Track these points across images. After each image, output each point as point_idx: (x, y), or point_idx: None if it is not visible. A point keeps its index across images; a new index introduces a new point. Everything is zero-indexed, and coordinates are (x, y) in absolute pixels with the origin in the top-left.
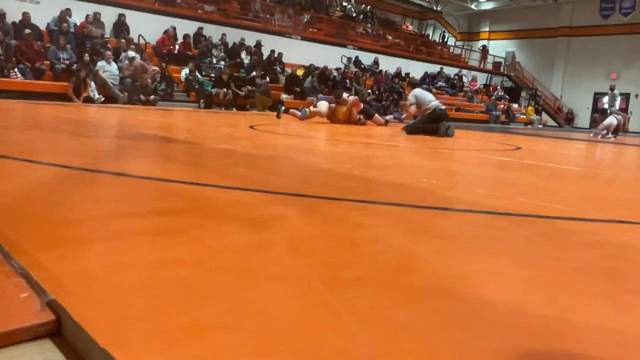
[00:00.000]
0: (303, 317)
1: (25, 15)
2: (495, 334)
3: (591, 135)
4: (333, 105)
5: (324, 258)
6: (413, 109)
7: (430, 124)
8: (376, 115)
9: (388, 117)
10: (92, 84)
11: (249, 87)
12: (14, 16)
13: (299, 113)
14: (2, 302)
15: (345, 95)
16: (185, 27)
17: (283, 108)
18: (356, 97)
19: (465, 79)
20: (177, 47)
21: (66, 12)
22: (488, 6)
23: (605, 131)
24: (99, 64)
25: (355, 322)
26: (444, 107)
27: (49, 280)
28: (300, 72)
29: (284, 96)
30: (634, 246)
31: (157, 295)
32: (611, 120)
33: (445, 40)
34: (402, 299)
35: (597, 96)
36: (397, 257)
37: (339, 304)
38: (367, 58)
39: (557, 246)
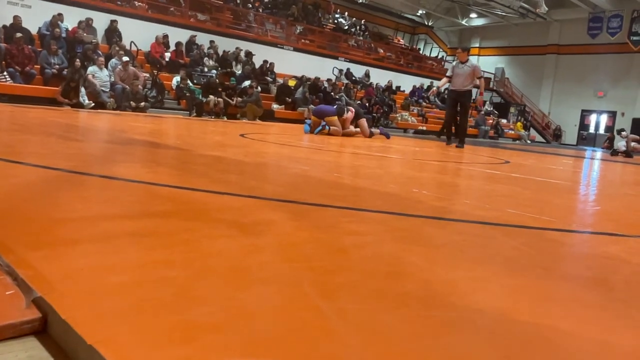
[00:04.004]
0: (293, 319)
1: (17, 18)
2: (483, 340)
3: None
4: (335, 118)
5: (314, 262)
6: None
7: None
8: (365, 121)
9: (375, 130)
10: (82, 89)
11: (240, 99)
12: (4, 19)
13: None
14: None
15: (347, 112)
16: (178, 35)
17: (327, 127)
18: (362, 129)
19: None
20: (167, 55)
21: (58, 17)
22: (478, 22)
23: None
24: (90, 69)
25: (345, 325)
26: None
27: (36, 279)
28: (292, 83)
29: (275, 106)
30: (621, 258)
31: (146, 295)
32: None
33: (437, 55)
34: (391, 304)
35: (585, 114)
36: (387, 263)
37: (328, 308)
38: (358, 70)
39: (546, 256)
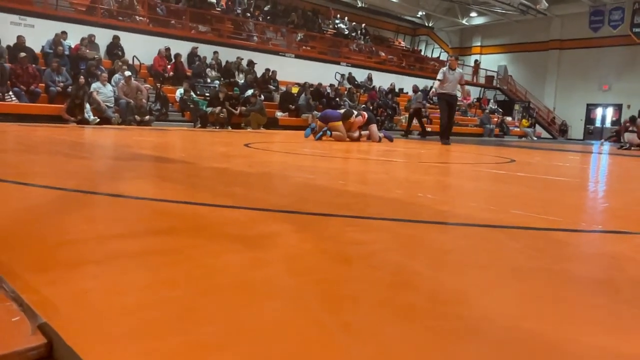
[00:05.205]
0: (296, 336)
1: (20, 38)
2: (491, 349)
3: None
4: (339, 123)
5: (318, 275)
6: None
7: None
8: (375, 127)
9: (380, 133)
10: (87, 105)
11: (244, 108)
12: (8, 40)
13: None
14: None
15: (354, 116)
16: (180, 48)
17: (329, 132)
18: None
19: (458, 93)
20: (169, 67)
21: (61, 35)
22: (479, 21)
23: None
24: (94, 85)
25: (349, 339)
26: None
27: (41, 304)
28: (294, 90)
29: (278, 114)
30: (628, 256)
31: (151, 317)
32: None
33: (438, 56)
34: (397, 315)
35: (590, 108)
36: (392, 272)
37: (332, 322)
38: (360, 74)
39: (552, 258)
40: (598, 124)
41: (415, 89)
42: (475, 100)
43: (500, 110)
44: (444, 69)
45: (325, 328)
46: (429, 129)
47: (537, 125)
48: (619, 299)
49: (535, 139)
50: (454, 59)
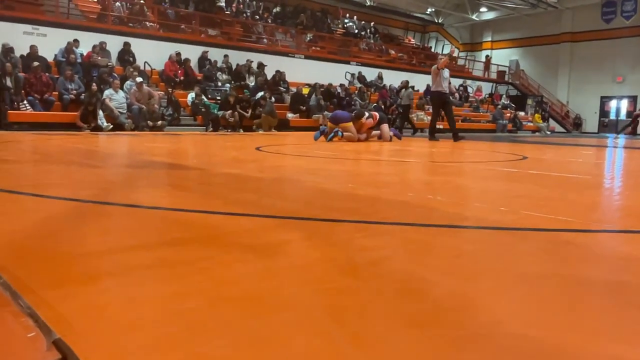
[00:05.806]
0: (304, 347)
1: (33, 48)
2: (498, 358)
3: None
4: (350, 124)
5: (326, 284)
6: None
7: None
8: (386, 126)
9: (390, 132)
10: (100, 112)
11: (255, 113)
12: (21, 49)
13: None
14: (9, 342)
15: (365, 117)
16: (190, 52)
17: (340, 132)
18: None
19: (470, 90)
20: (180, 72)
21: (73, 43)
22: (489, 16)
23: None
24: (106, 92)
25: (357, 350)
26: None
27: (56, 319)
28: (305, 91)
29: (289, 115)
30: (638, 257)
31: (162, 330)
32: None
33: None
34: (404, 324)
35: (604, 100)
36: (400, 280)
37: (338, 333)
38: (370, 73)
39: (561, 261)
40: (612, 116)
41: (405, 85)
42: (487, 95)
43: (513, 105)
44: (436, 66)
45: (333, 339)
46: (440, 126)
47: (550, 120)
48: (629, 303)
49: (548, 133)
50: (446, 58)
